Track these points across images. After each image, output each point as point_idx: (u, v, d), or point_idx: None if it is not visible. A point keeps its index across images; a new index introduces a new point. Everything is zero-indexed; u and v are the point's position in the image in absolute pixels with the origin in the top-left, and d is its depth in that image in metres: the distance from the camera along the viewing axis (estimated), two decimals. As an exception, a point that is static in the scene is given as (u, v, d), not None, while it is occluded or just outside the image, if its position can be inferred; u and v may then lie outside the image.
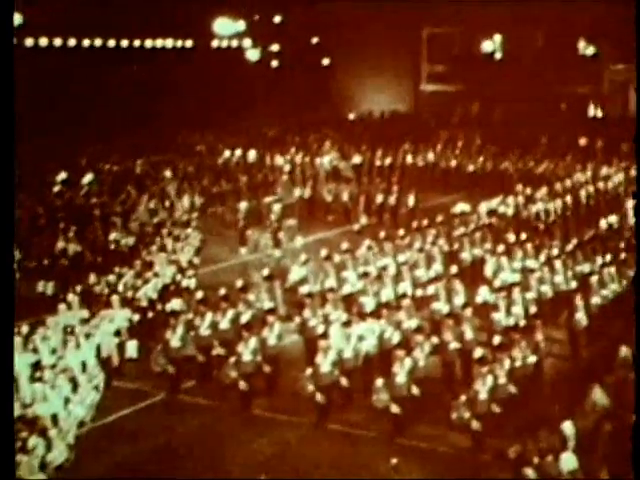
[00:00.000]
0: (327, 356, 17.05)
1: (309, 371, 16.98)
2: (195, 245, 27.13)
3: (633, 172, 37.51)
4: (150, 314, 21.39)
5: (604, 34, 49.40)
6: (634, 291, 16.94)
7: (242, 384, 17.40)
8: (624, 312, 21.53)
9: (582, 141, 44.04)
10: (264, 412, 17.66)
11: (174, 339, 18.42)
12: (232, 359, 17.55)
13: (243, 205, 31.31)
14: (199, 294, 20.70)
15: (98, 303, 20.88)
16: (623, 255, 23.79)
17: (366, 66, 52.69)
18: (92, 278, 22.34)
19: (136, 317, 20.75)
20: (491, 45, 51.35)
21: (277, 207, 30.98)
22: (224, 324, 19.06)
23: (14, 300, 12.41)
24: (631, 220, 28.85)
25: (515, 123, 48.04)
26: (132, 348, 20.01)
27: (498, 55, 51.41)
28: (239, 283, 21.51)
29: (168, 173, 37.31)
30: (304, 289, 21.92)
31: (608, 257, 23.73)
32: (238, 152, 42.12)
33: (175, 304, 21.13)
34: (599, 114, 50.08)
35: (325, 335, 18.11)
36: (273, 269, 23.94)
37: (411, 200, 33.29)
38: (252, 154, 41.89)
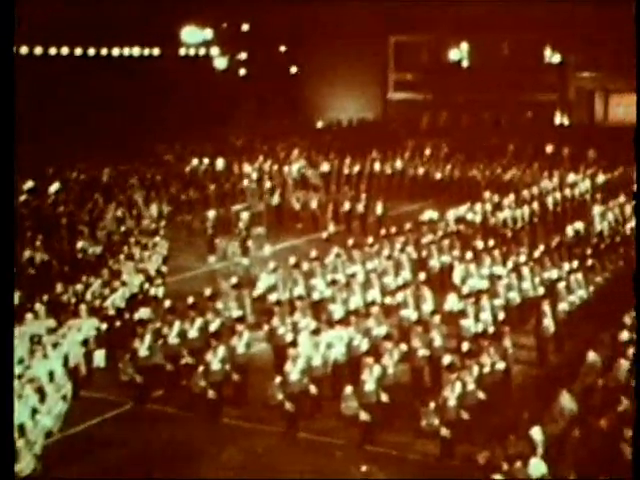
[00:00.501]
0: (296, 364, 17.01)
1: (278, 379, 16.93)
2: (163, 254, 27.02)
3: (600, 179, 37.86)
4: (118, 323, 21.24)
5: (570, 42, 49.79)
6: (634, 291, 16.99)
7: (211, 393, 17.33)
8: (591, 318, 21.75)
9: (549, 148, 44.31)
10: (233, 421, 17.59)
11: (142, 348, 18.32)
12: (201, 368, 17.48)
13: (211, 213, 31.25)
14: (167, 303, 20.62)
15: (65, 312, 20.73)
16: (590, 261, 23.92)
17: (334, 74, 52.78)
18: (59, 287, 22.19)
19: (104, 326, 20.61)
20: (458, 53, 51.59)
21: (245, 215, 30.95)
22: (192, 333, 18.98)
23: (14, 300, 12.27)
24: (597, 226, 29.07)
25: (482, 131, 48.31)
26: (100, 357, 19.89)
27: (465, 63, 51.67)
28: (207, 291, 21.45)
29: (135, 181, 37.18)
30: (273, 297, 21.89)
31: (575, 263, 23.85)
32: (206, 160, 42.08)
33: (143, 313, 21.01)
34: (565, 122, 50.43)
35: (294, 343, 18.10)
36: (241, 277, 23.93)
37: (379, 208, 33.36)
38: (220, 162, 41.85)
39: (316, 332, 18.43)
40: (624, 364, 16.28)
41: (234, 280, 22.68)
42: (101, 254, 26.85)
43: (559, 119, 50.43)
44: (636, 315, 15.28)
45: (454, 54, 51.70)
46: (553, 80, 50.79)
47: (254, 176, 39.74)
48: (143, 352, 18.29)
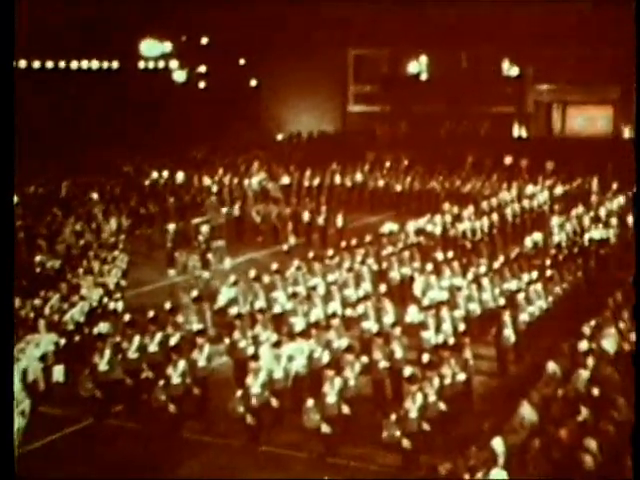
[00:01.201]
0: (257, 377, 16.96)
1: (239, 393, 16.87)
2: (122, 267, 26.84)
3: (558, 190, 38.15)
4: (77, 338, 21.07)
5: (528, 55, 50.23)
6: (634, 292, 17.07)
7: (171, 407, 17.22)
8: (551, 328, 21.90)
9: (507, 160, 44.59)
10: (194, 435, 17.49)
11: (102, 363, 18.19)
12: (161, 382, 17.37)
13: (171, 227, 31.12)
14: (127, 317, 20.48)
15: (24, 327, 20.52)
16: (549, 272, 24.07)
17: (294, 87, 52.84)
18: (17, 302, 21.96)
19: (63, 341, 20.43)
20: (417, 66, 51.84)
21: (205, 228, 30.84)
22: (152, 347, 18.87)
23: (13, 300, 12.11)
24: (556, 237, 29.28)
25: (441, 143, 48.55)
26: (59, 372, 19.69)
27: (424, 76, 51.91)
28: (167, 305, 21.35)
29: (94, 195, 36.93)
30: (233, 310, 21.82)
31: (534, 274, 23.99)
32: (166, 173, 41.90)
33: (102, 327, 20.85)
34: (524, 134, 50.81)
35: (255, 356, 18.03)
36: (202, 290, 23.83)
37: (340, 220, 33.41)
38: (180, 175, 41.70)
39: (277, 345, 18.40)
40: (583, 374, 16.38)
41: (194, 293, 22.60)
42: (60, 268, 26.59)
43: (517, 131, 50.81)
44: (636, 316, 15.35)
45: (413, 67, 51.94)
46: (511, 92, 51.19)
47: (214, 189, 39.66)
48: (103, 367, 18.16)
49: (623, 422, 14.14)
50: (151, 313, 20.08)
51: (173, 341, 18.95)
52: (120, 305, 23.52)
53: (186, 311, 21.37)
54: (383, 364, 18.43)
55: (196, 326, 20.52)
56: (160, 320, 19.92)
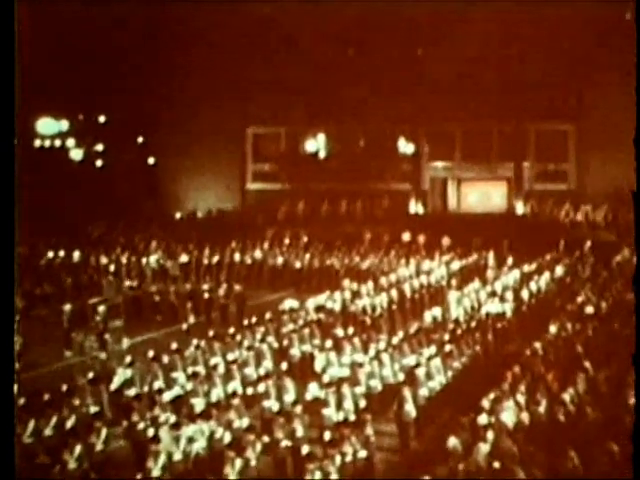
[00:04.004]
0: (157, 460, 16.62)
1: (139, 476, 16.50)
2: (16, 350, 26.18)
3: (454, 265, 38.65)
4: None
5: (423, 132, 51.28)
6: (634, 292, 17.11)
7: (68, 493, 16.75)
8: (450, 402, 22.02)
9: (405, 236, 45.14)
10: (91, 522, 17.02)
11: (-6, 449, 17.63)
12: (57, 467, 16.89)
13: (67, 307, 30.61)
14: (21, 400, 19.92)
15: None
16: (447, 347, 24.27)
17: (192, 165, 52.86)
18: None
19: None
20: (315, 144, 52.39)
21: (102, 308, 30.44)
22: (48, 431, 18.39)
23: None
24: (454, 312, 29.61)
25: (340, 220, 48.98)
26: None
27: (322, 154, 52.47)
28: (64, 387, 20.86)
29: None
30: (131, 392, 21.43)
31: (433, 349, 24.16)
32: (61, 252, 41.27)
33: (-4, 412, 20.25)
34: (420, 210, 51.58)
35: (154, 438, 17.68)
36: (99, 372, 23.35)
37: (239, 298, 33.29)
38: (76, 254, 41.12)
39: (176, 426, 18.10)
40: (483, 448, 16.48)
41: (91, 375, 22.14)
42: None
43: (414, 208, 51.55)
44: (636, 317, 15.41)
45: (311, 145, 52.47)
46: (407, 169, 52.07)
47: (112, 268, 39.19)
48: (-5, 453, 17.59)
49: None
50: (47, 396, 19.60)
51: (69, 424, 18.51)
52: (14, 389, 22.86)
53: (82, 393, 20.91)
54: (285, 443, 18.26)
55: (93, 409, 20.08)
56: (56, 403, 19.44)
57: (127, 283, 36.43)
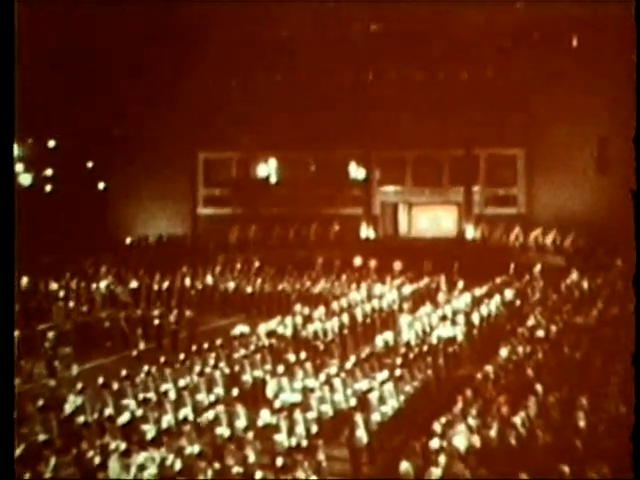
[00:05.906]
0: (106, 488, 16.43)
1: (87, 505, 16.30)
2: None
3: (406, 289, 38.75)
4: None
5: (373, 158, 51.57)
6: (635, 292, 17.10)
7: (15, 524, 16.47)
8: (403, 427, 22.03)
9: (356, 261, 45.23)
10: None
11: (-60, 479, 17.29)
12: (4, 497, 16.61)
13: (16, 333, 30.18)
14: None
15: None
16: (399, 371, 24.27)
17: (142, 190, 52.69)
18: None
19: None
20: (266, 169, 52.39)
21: (51, 334, 30.12)
22: (-5, 460, 18.08)
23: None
24: (405, 336, 29.65)
25: (291, 245, 49.02)
26: None
27: (273, 179, 52.49)
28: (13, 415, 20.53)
29: None
30: (80, 419, 21.19)
31: (385, 373, 24.16)
32: (10, 279, 40.72)
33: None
34: (371, 235, 51.74)
35: (104, 466, 17.46)
36: (48, 399, 23.03)
37: (190, 323, 33.10)
38: (24, 281, 40.61)
39: (127, 454, 17.90)
40: (435, 472, 16.48)
41: (40, 402, 21.84)
42: None
43: (365, 232, 51.72)
44: (636, 317, 15.39)
45: (262, 170, 52.47)
46: (358, 194, 52.28)
47: (61, 294, 38.76)
48: (-59, 484, 17.26)
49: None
50: (-6, 425, 19.29)
51: (17, 453, 18.21)
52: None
53: (31, 421, 20.62)
54: (236, 469, 18.11)
55: (42, 437, 19.80)
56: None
57: (77, 309, 36.07)
